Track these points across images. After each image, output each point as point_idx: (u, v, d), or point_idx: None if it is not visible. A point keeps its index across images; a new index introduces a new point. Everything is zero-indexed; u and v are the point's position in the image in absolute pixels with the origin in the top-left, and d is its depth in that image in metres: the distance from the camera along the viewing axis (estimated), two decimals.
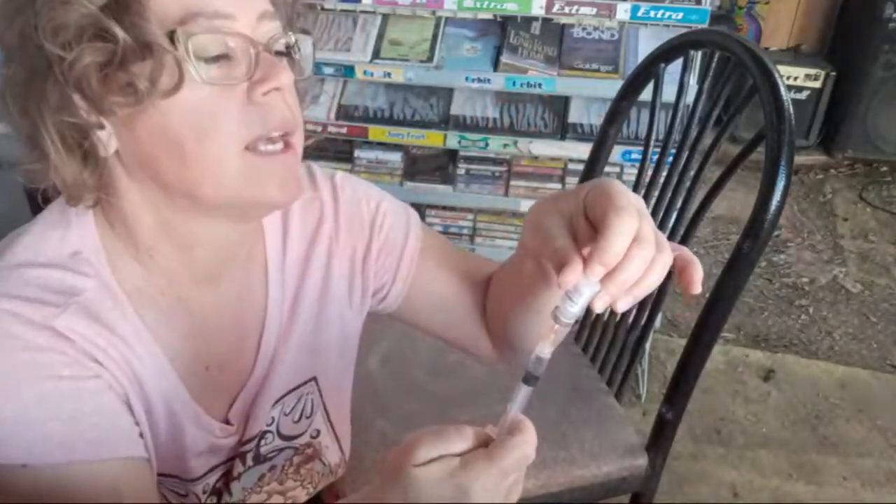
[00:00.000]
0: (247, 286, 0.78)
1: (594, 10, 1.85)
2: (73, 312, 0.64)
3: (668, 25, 1.88)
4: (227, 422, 0.78)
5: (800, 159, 3.22)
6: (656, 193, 1.29)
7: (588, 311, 1.41)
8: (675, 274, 0.61)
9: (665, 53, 1.26)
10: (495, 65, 1.95)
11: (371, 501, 0.58)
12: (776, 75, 1.02)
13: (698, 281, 0.61)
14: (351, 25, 2.03)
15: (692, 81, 1.43)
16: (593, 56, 1.94)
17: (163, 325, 0.71)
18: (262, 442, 0.82)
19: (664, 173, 1.27)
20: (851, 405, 2.15)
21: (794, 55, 3.39)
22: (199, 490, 0.78)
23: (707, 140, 1.21)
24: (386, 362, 1.37)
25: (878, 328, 2.47)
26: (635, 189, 1.30)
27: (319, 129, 1.99)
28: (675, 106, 1.25)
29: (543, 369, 0.58)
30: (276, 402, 0.82)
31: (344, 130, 2.07)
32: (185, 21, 0.60)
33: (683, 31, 1.60)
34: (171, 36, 0.59)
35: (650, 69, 1.27)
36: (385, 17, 2.05)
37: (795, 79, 3.19)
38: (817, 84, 3.21)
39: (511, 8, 1.87)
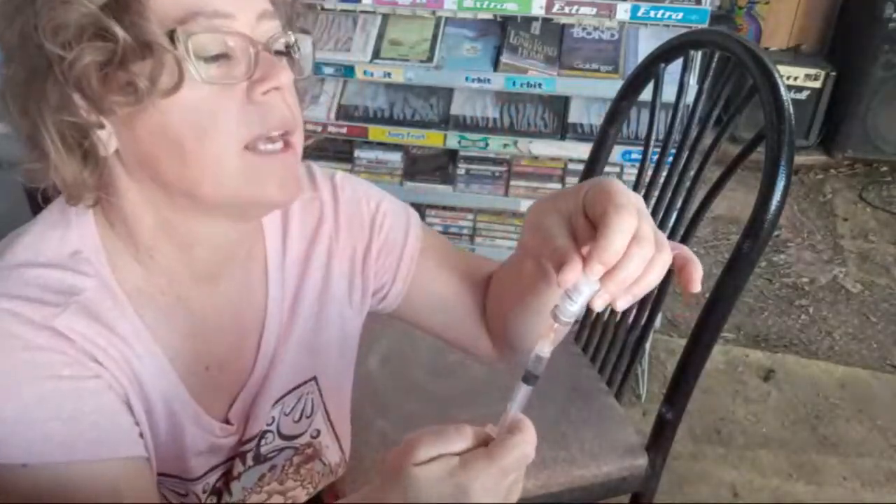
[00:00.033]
0: (247, 286, 0.78)
1: (594, 10, 1.85)
2: (73, 312, 0.64)
3: (668, 25, 1.88)
4: (227, 421, 0.78)
5: (800, 159, 3.22)
6: (656, 193, 1.29)
7: (588, 310, 1.40)
8: (674, 272, 0.61)
9: (665, 53, 1.26)
10: (495, 65, 1.95)
11: (371, 501, 0.58)
12: (776, 75, 1.02)
13: (698, 279, 0.61)
14: (351, 25, 2.03)
15: (692, 81, 1.43)
16: (593, 56, 1.94)
17: (163, 324, 0.71)
18: (263, 442, 0.82)
19: (664, 173, 1.27)
20: (851, 405, 2.15)
21: (794, 55, 3.39)
22: (199, 490, 0.78)
23: (707, 140, 1.21)
24: (386, 362, 1.37)
25: (878, 328, 2.47)
26: (635, 189, 1.30)
27: (319, 129, 1.99)
28: (675, 106, 1.25)
29: (543, 368, 0.58)
30: (277, 401, 0.82)
31: (344, 130, 2.07)
32: (185, 20, 0.60)
33: (683, 31, 1.60)
34: (171, 35, 0.59)
35: (650, 69, 1.27)
36: (385, 17, 2.05)
37: (795, 79, 3.19)
38: (817, 84, 3.21)
39: (511, 8, 1.87)
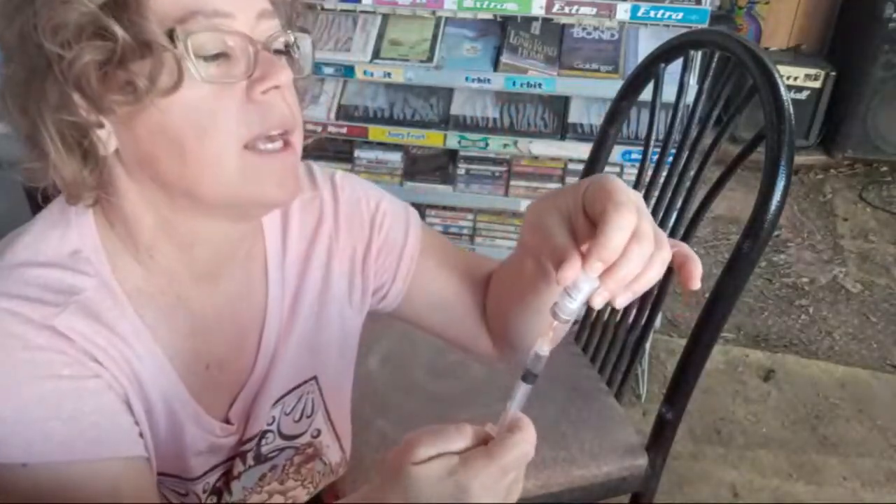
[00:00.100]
0: (247, 285, 0.78)
1: (594, 10, 1.85)
2: (73, 312, 0.64)
3: (668, 25, 1.88)
4: (227, 421, 0.78)
5: (800, 159, 3.22)
6: (656, 193, 1.29)
7: (588, 310, 1.41)
8: (674, 271, 0.61)
9: (665, 53, 1.26)
10: (495, 65, 1.95)
11: (371, 500, 0.58)
12: (776, 75, 1.02)
13: (697, 276, 0.61)
14: (351, 25, 2.03)
15: (692, 81, 1.43)
16: (593, 56, 1.94)
17: (162, 324, 0.71)
18: (263, 441, 0.82)
19: (664, 173, 1.27)
20: (851, 405, 2.15)
21: (794, 55, 3.39)
22: (199, 489, 0.78)
23: (707, 140, 1.21)
24: (386, 362, 1.37)
25: (878, 328, 2.47)
26: (635, 189, 1.30)
27: (319, 128, 1.99)
28: (675, 106, 1.25)
29: (542, 367, 0.58)
30: (277, 401, 0.82)
31: (344, 130, 2.07)
32: (185, 19, 0.60)
33: (683, 31, 1.60)
34: (171, 34, 0.59)
35: (650, 69, 1.27)
36: (385, 17, 2.05)
37: (795, 79, 3.19)
38: (817, 84, 3.21)
39: (511, 8, 1.87)
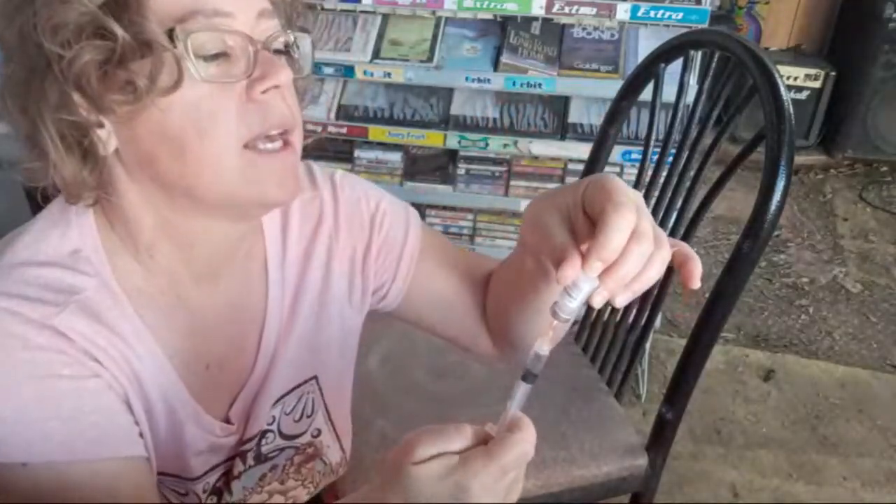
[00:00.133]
0: (247, 285, 0.78)
1: (594, 10, 1.85)
2: (73, 311, 0.64)
3: (668, 25, 1.88)
4: (227, 421, 0.78)
5: (800, 159, 3.22)
6: (656, 193, 1.29)
7: (588, 310, 1.41)
8: (674, 270, 0.61)
9: (665, 53, 1.26)
10: (495, 65, 1.95)
11: (371, 500, 0.58)
12: (776, 75, 1.02)
13: (697, 275, 0.61)
14: (351, 25, 2.03)
15: (692, 81, 1.43)
16: (593, 56, 1.94)
17: (162, 324, 0.71)
18: (263, 441, 0.82)
19: (664, 173, 1.27)
20: (851, 405, 2.15)
21: (794, 55, 3.39)
22: (199, 489, 0.78)
23: (707, 140, 1.21)
24: (386, 362, 1.37)
25: (878, 328, 2.47)
26: (635, 189, 1.30)
27: (319, 129, 1.99)
28: (675, 106, 1.25)
29: (542, 367, 0.58)
30: (277, 401, 0.82)
31: (344, 130, 2.07)
32: (184, 19, 0.60)
33: (683, 31, 1.60)
34: (170, 34, 0.59)
35: (650, 69, 1.27)
36: (385, 17, 2.05)
37: (795, 79, 3.19)
38: (817, 84, 3.21)
39: (511, 8, 1.87)
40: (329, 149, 2.16)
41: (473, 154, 2.10)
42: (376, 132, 2.06)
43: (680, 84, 1.25)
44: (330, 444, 0.90)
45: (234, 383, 0.79)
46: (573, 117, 2.01)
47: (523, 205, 2.10)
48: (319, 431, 0.89)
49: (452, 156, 2.13)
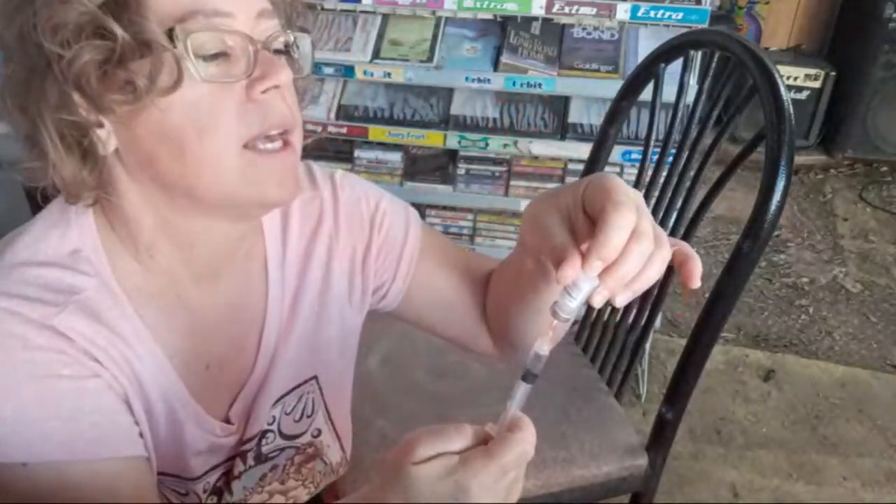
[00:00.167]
0: (247, 285, 0.78)
1: (594, 10, 1.85)
2: (73, 311, 0.64)
3: (668, 25, 1.88)
4: (227, 421, 0.78)
5: (800, 159, 3.22)
6: (656, 193, 1.29)
7: (588, 310, 1.41)
8: (674, 269, 0.61)
9: (665, 53, 1.26)
10: (495, 65, 1.95)
11: (371, 500, 0.58)
12: (776, 75, 1.02)
13: (697, 275, 0.61)
14: (351, 25, 2.03)
15: (692, 81, 1.43)
16: (593, 56, 1.94)
17: (162, 324, 0.71)
18: (264, 441, 0.82)
19: (664, 173, 1.27)
20: (851, 405, 2.15)
21: (794, 55, 3.39)
22: (199, 489, 0.78)
23: (707, 140, 1.21)
24: (386, 362, 1.37)
25: (878, 328, 2.47)
26: (635, 188, 1.30)
27: (319, 128, 1.99)
28: (675, 106, 1.25)
29: (542, 366, 0.58)
30: (277, 401, 0.82)
31: (344, 130, 2.07)
32: (184, 19, 0.60)
33: (683, 31, 1.60)
34: (170, 34, 0.59)
35: (650, 69, 1.27)
36: (385, 17, 2.05)
37: (795, 79, 3.19)
38: (817, 84, 3.21)
39: (511, 8, 1.87)
40: (329, 149, 2.16)
41: (473, 154, 2.10)
42: (376, 132, 2.06)
43: (680, 84, 1.25)
44: (330, 443, 0.90)
45: (234, 383, 0.79)
46: (573, 117, 2.01)
47: (523, 205, 2.10)
48: (319, 431, 0.89)
49: (452, 156, 2.13)
